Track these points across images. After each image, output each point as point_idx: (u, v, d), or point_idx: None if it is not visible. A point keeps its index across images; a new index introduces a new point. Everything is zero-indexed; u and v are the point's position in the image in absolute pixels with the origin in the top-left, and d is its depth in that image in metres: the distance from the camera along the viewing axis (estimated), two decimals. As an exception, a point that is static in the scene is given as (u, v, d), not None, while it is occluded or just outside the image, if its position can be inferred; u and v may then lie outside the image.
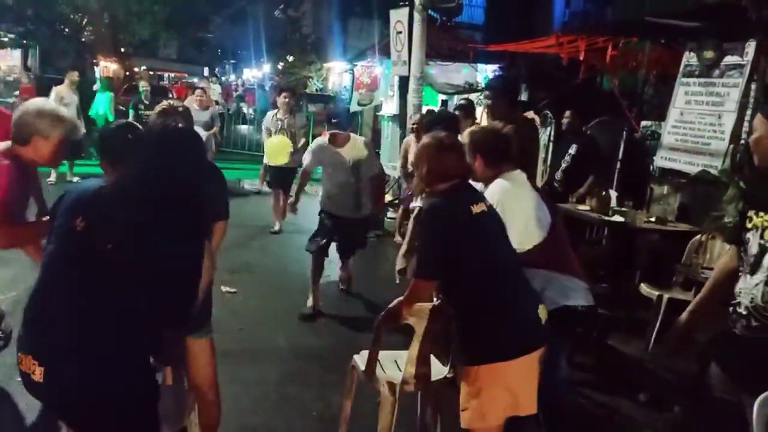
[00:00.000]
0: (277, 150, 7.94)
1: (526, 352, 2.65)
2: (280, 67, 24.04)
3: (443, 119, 4.88)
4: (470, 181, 2.93)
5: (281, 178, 8.35)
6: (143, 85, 12.25)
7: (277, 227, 8.49)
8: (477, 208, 2.71)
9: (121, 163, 2.62)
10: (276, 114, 8.41)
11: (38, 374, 1.99)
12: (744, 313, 2.47)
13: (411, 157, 6.70)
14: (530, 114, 6.48)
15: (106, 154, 2.53)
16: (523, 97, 12.39)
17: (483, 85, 12.34)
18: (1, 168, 2.82)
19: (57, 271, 2.08)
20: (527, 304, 2.74)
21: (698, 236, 5.21)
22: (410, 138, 7.18)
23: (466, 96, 10.06)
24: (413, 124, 7.38)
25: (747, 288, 2.47)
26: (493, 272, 2.70)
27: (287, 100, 8.53)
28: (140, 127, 2.65)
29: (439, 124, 4.34)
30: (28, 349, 2.03)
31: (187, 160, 2.17)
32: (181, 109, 3.43)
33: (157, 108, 3.41)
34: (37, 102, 3.03)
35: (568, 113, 6.96)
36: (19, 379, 2.14)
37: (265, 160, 8.40)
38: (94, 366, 1.98)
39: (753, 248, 2.47)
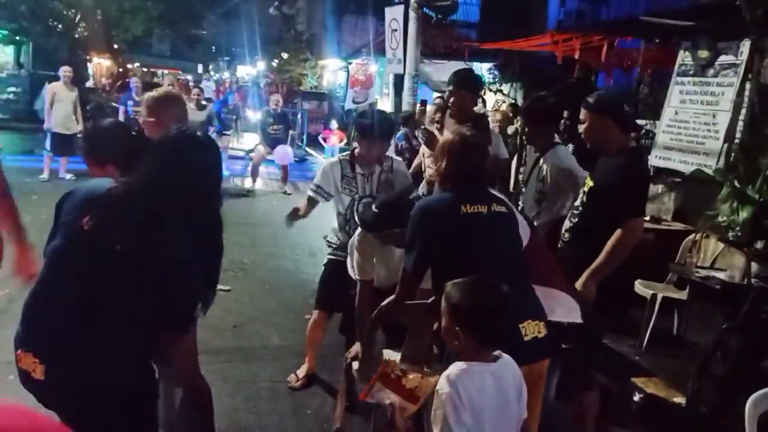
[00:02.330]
0: None
1: None
2: (274, 64, 24.01)
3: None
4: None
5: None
6: (134, 82, 12.14)
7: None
8: (470, 209, 2.64)
9: (109, 161, 2.63)
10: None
11: (39, 372, 1.95)
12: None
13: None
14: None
15: (93, 152, 2.60)
16: (519, 96, 12.42)
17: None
18: None
19: (61, 269, 2.06)
20: (516, 315, 2.51)
21: (692, 235, 5.23)
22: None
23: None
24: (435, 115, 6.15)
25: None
26: (476, 275, 2.51)
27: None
28: (127, 125, 2.68)
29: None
30: (28, 347, 2.00)
31: (201, 168, 2.15)
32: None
33: (155, 92, 3.36)
34: None
35: (565, 113, 6.96)
36: (12, 377, 2.11)
37: None
38: (96, 365, 1.96)
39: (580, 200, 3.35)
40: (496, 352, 2.13)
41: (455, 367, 2.06)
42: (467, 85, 4.36)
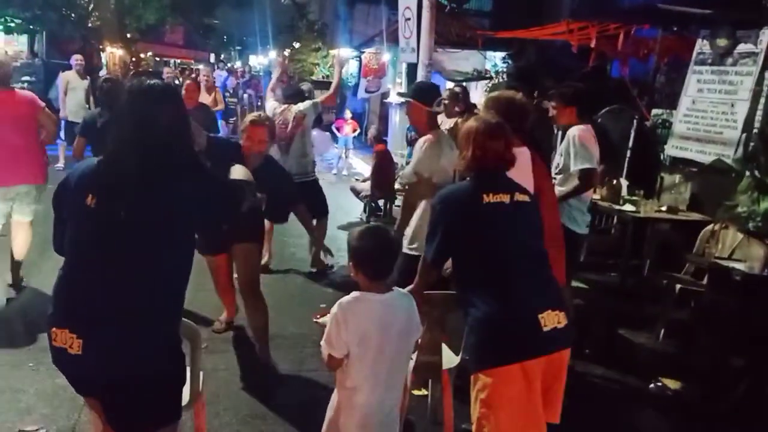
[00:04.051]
0: None
1: (523, 359, 2.45)
2: (286, 53, 23.95)
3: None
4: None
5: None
6: (167, 72, 12.30)
7: None
8: (492, 198, 2.60)
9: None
10: None
11: (76, 347, 2.01)
12: None
13: None
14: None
15: None
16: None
17: (492, 73, 12.31)
18: None
19: (82, 251, 2.12)
20: (536, 305, 2.50)
21: (710, 226, 5.18)
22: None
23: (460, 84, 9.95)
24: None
25: None
26: (497, 265, 2.55)
27: None
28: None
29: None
30: (64, 324, 2.05)
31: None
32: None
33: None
34: None
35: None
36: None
37: None
38: (131, 336, 2.03)
39: None
40: (393, 288, 2.50)
41: (350, 296, 2.43)
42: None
